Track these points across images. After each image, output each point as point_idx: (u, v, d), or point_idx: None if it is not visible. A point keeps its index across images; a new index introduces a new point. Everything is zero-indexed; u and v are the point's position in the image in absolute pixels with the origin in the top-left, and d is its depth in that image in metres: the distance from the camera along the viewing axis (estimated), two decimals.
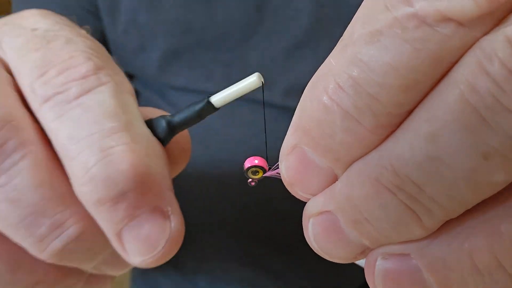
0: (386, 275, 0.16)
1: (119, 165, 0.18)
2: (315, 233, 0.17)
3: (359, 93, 0.14)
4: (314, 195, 0.17)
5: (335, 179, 0.16)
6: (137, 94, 0.66)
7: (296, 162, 0.16)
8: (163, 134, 0.22)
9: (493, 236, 0.14)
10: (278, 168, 0.21)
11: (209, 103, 0.21)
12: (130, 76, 0.64)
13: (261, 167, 0.21)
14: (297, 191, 0.17)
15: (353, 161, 0.15)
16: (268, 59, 0.55)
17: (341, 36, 0.59)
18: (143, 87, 0.62)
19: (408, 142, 0.14)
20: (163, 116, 0.22)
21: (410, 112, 0.14)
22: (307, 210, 0.17)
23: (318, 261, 0.60)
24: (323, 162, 0.15)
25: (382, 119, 0.14)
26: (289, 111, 0.57)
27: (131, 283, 0.70)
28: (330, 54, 0.15)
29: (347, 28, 0.15)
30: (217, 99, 0.21)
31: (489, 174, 0.13)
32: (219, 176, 0.56)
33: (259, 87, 0.20)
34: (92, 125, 0.19)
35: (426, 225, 0.14)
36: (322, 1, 0.53)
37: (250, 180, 0.22)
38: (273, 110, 0.56)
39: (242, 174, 0.21)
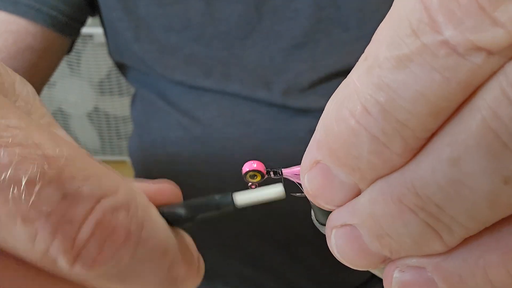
0: (402, 287, 0.16)
1: None
2: (338, 244, 0.18)
3: (387, 119, 0.14)
4: (337, 206, 0.17)
5: (358, 192, 0.16)
6: (135, 94, 0.65)
7: (319, 177, 0.16)
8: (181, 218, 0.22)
9: (508, 254, 0.14)
10: (277, 171, 0.21)
11: (232, 198, 0.21)
12: (125, 67, 0.63)
13: (259, 171, 0.21)
14: (319, 203, 0.17)
15: (378, 178, 0.15)
16: (266, 59, 0.55)
17: (340, 37, 0.59)
18: (141, 86, 0.62)
19: (430, 165, 0.14)
20: (178, 204, 0.22)
21: (432, 134, 0.14)
22: (330, 221, 0.18)
23: (318, 260, 0.61)
24: (348, 179, 0.16)
25: (410, 144, 0.14)
26: (288, 110, 0.57)
27: None
28: (353, 72, 0.15)
29: (369, 47, 0.15)
30: (240, 198, 0.21)
31: (509, 197, 0.13)
32: (218, 174, 0.56)
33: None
34: None
35: (447, 242, 0.15)
36: (321, 3, 0.53)
37: (250, 184, 0.21)
38: (272, 109, 0.56)
39: (242, 172, 0.21)
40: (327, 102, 0.59)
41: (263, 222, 0.58)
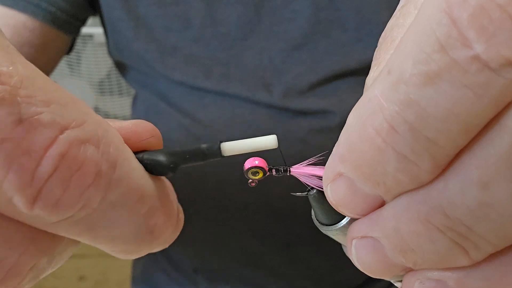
0: None
1: None
2: (358, 254, 0.17)
3: (416, 137, 0.13)
4: (361, 216, 0.17)
5: (382, 203, 0.16)
6: (136, 95, 0.65)
7: (343, 188, 0.16)
8: (163, 164, 0.20)
9: None
10: (280, 169, 0.21)
11: (219, 147, 0.20)
12: (124, 66, 0.63)
13: (261, 168, 0.21)
14: (342, 211, 0.17)
15: (404, 193, 0.15)
16: (266, 60, 0.55)
17: (339, 39, 0.58)
18: (141, 86, 0.62)
19: (459, 187, 0.14)
20: (162, 150, 0.20)
21: (460, 150, 0.14)
22: (351, 232, 0.18)
23: (318, 260, 0.61)
24: (372, 191, 0.16)
25: (440, 161, 0.14)
26: (288, 112, 0.57)
27: (132, 283, 0.70)
28: (375, 87, 0.14)
29: (392, 61, 0.14)
30: (228, 147, 0.20)
31: None
32: (219, 175, 0.56)
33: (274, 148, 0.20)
34: None
35: (473, 257, 0.15)
36: (319, 4, 0.53)
37: (250, 180, 0.21)
38: (272, 111, 0.56)
39: (242, 174, 0.21)
40: (326, 104, 0.59)
41: (263, 222, 0.58)
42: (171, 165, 0.20)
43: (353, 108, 0.15)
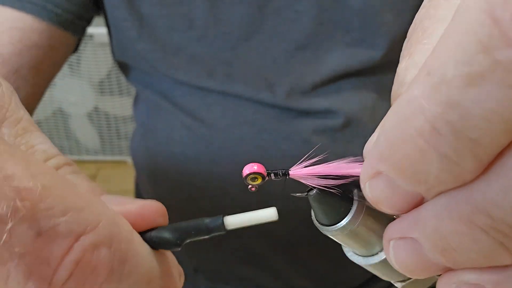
0: None
1: None
2: (397, 255, 0.17)
3: (459, 138, 0.13)
4: (400, 212, 0.17)
5: (422, 200, 0.16)
6: (138, 95, 0.65)
7: (382, 186, 0.16)
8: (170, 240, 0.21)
9: None
10: (278, 173, 0.21)
11: (223, 222, 0.21)
12: (127, 67, 0.63)
13: (260, 174, 0.21)
14: (381, 209, 0.17)
15: (444, 191, 0.15)
16: (269, 60, 0.55)
17: (343, 39, 0.58)
18: (144, 86, 0.62)
19: (503, 188, 0.13)
20: (167, 226, 0.22)
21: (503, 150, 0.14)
22: (388, 233, 0.18)
23: (319, 260, 0.61)
24: (412, 189, 0.16)
25: (483, 161, 0.14)
26: (291, 112, 0.57)
27: None
28: (415, 88, 0.14)
29: (430, 62, 0.14)
30: (231, 221, 0.21)
31: None
32: (222, 174, 0.56)
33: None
34: None
35: None
36: (323, 5, 0.53)
37: (250, 186, 0.21)
38: (275, 111, 0.56)
39: (242, 175, 0.21)
40: (329, 104, 0.59)
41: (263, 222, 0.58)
42: (177, 241, 0.21)
43: (391, 109, 0.15)
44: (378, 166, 0.16)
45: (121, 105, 1.78)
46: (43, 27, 0.51)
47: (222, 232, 0.21)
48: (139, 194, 0.69)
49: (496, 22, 0.12)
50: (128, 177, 1.10)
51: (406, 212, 0.17)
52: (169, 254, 0.23)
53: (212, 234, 0.21)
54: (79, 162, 1.88)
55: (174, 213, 0.24)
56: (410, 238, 0.17)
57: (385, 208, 0.17)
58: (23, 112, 0.22)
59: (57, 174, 0.17)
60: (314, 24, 0.54)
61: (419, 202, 0.16)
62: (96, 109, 1.79)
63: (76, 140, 1.88)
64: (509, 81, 0.12)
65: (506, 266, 0.15)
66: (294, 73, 0.55)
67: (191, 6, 0.54)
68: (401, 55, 0.20)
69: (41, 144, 0.22)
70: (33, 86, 0.51)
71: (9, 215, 0.15)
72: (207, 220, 0.21)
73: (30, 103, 0.52)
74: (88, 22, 0.57)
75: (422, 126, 0.14)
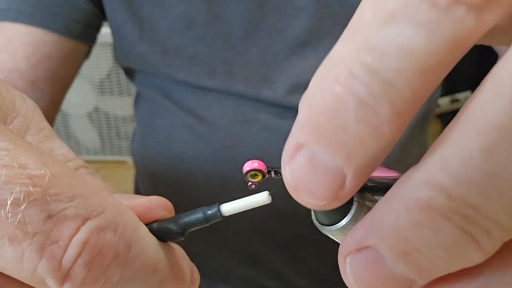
0: None
1: None
2: (355, 273, 0.15)
3: (374, 79, 0.13)
4: (320, 200, 0.15)
5: (343, 181, 0.14)
6: (139, 93, 0.65)
7: (302, 163, 0.15)
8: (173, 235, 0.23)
9: None
10: (278, 170, 0.21)
11: (219, 210, 0.22)
12: (131, 71, 0.64)
13: (260, 171, 0.21)
14: (302, 197, 0.15)
15: (367, 161, 0.14)
16: (270, 57, 0.55)
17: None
18: (146, 86, 0.62)
19: (459, 159, 0.12)
20: (170, 219, 0.24)
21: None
22: (343, 248, 0.16)
23: (319, 260, 0.61)
24: (333, 161, 0.14)
25: (399, 107, 0.13)
26: (292, 109, 0.57)
27: None
28: (337, 44, 0.14)
29: (353, 17, 0.14)
30: (226, 208, 0.22)
31: None
32: (222, 173, 0.57)
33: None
34: None
35: (485, 248, 0.13)
36: (323, 1, 0.53)
37: (250, 183, 0.21)
38: (276, 109, 0.56)
39: (242, 172, 0.21)
40: None
41: (264, 222, 0.58)
42: (180, 231, 0.23)
43: (315, 73, 0.15)
44: (298, 136, 0.15)
45: (121, 105, 1.78)
46: (54, 39, 0.52)
47: (219, 219, 0.22)
48: (138, 193, 0.70)
49: None
50: (128, 177, 1.10)
51: (330, 203, 0.15)
52: (178, 249, 0.24)
53: (211, 222, 0.23)
54: None
55: (175, 212, 0.25)
56: (367, 248, 0.15)
57: (306, 194, 0.15)
58: (44, 123, 0.25)
59: (67, 166, 0.19)
60: (314, 20, 0.54)
61: (343, 184, 0.14)
62: (96, 109, 1.79)
63: (76, 140, 1.88)
64: (418, 19, 0.12)
65: (477, 272, 0.14)
66: (295, 70, 0.55)
67: (190, 5, 0.54)
68: None
69: (60, 148, 0.25)
70: (51, 96, 0.53)
71: (22, 198, 0.17)
72: (204, 210, 0.23)
73: (50, 112, 0.54)
74: (97, 29, 0.58)
75: (339, 72, 0.13)
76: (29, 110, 0.24)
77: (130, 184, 0.74)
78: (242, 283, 0.63)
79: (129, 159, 1.82)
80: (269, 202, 0.22)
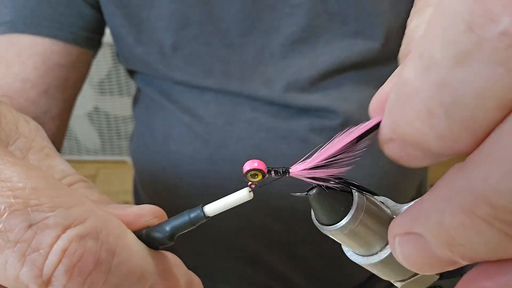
0: None
1: None
2: (403, 252, 0.17)
3: (452, 118, 0.13)
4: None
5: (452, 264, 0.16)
6: (138, 92, 0.66)
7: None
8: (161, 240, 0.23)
9: None
10: (278, 170, 0.21)
11: (203, 211, 0.22)
12: (132, 72, 0.64)
13: (260, 170, 0.21)
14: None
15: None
16: (266, 55, 0.55)
17: (339, 31, 0.58)
18: (145, 84, 0.62)
19: (502, 172, 0.13)
20: (158, 226, 0.24)
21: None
22: (393, 229, 0.17)
23: (318, 260, 0.61)
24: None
25: (478, 137, 0.13)
26: (289, 109, 0.57)
27: None
28: (408, 71, 0.14)
29: (422, 44, 0.14)
30: (210, 209, 0.23)
31: None
32: (220, 172, 0.56)
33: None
34: None
35: None
36: None
37: (250, 183, 0.21)
38: (272, 108, 0.56)
39: (242, 172, 0.21)
40: (328, 102, 0.59)
41: (263, 222, 0.58)
42: (168, 236, 0.23)
43: (392, 88, 0.15)
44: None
45: (121, 105, 1.78)
46: (61, 47, 0.54)
47: (204, 220, 0.22)
48: (137, 193, 0.70)
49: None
50: (128, 177, 1.10)
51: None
52: (173, 258, 0.25)
53: (197, 224, 0.23)
54: (79, 162, 1.89)
55: (172, 211, 0.25)
56: (415, 234, 0.16)
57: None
58: (46, 142, 0.26)
59: (53, 178, 0.21)
60: (310, 16, 0.53)
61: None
62: (96, 109, 1.79)
63: (76, 140, 1.88)
64: (495, 57, 0.12)
65: None
66: (292, 68, 0.55)
67: (185, 4, 0.54)
68: (408, 20, 0.20)
69: (59, 165, 0.26)
70: (63, 102, 0.54)
71: (3, 209, 0.18)
72: (189, 213, 0.23)
73: (64, 117, 0.55)
74: (101, 33, 0.59)
75: (418, 107, 0.14)
76: (31, 131, 0.25)
77: (130, 184, 0.74)
78: (241, 282, 0.63)
79: (129, 159, 1.82)
80: (251, 198, 0.22)
